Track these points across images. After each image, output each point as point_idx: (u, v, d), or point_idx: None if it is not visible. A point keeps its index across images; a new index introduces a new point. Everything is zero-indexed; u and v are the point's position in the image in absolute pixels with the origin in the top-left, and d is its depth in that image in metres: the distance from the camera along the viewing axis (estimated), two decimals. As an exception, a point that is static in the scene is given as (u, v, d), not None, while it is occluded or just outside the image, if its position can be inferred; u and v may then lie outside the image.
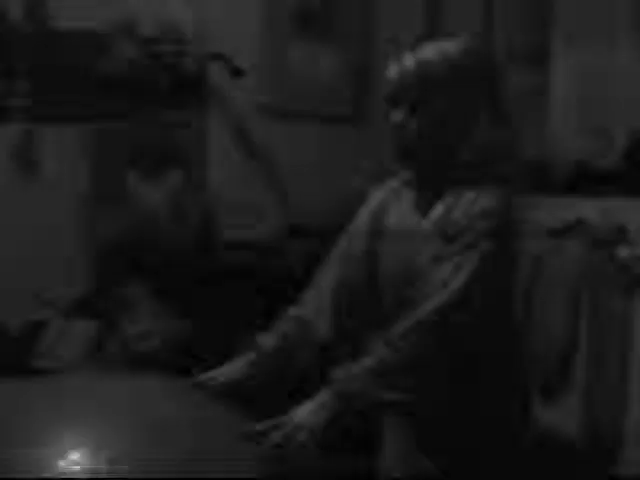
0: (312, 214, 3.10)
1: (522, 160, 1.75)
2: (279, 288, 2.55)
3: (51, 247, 2.79)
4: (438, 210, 1.54)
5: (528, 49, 2.94)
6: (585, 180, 2.69)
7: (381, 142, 3.21)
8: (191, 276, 2.81)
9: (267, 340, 1.69)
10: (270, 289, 2.63)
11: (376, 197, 1.72)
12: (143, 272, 2.82)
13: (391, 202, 1.68)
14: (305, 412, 1.42)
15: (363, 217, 1.71)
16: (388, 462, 1.64)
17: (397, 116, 1.56)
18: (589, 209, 2.59)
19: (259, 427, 1.40)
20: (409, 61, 1.55)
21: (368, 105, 3.36)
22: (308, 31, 3.31)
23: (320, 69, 3.32)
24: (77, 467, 1.19)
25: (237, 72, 3.00)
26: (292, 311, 1.73)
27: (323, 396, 1.44)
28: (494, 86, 1.59)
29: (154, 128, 2.99)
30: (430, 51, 1.55)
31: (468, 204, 1.50)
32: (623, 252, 2.46)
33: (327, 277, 1.72)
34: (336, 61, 3.35)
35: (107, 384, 1.51)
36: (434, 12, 3.28)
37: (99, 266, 2.88)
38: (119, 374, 1.78)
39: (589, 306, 2.47)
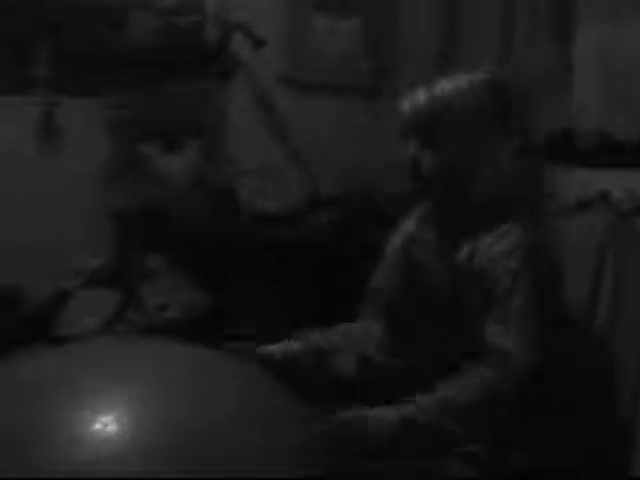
0: (332, 184, 3.10)
1: (547, 193, 1.72)
2: (302, 258, 2.56)
3: (73, 217, 2.80)
4: (464, 252, 1.53)
5: (552, 20, 2.91)
6: (609, 152, 2.67)
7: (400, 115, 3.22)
8: (212, 247, 2.81)
9: (314, 338, 1.71)
10: (293, 259, 2.63)
11: (403, 230, 1.73)
12: (164, 243, 2.83)
13: (417, 236, 1.69)
14: (374, 425, 1.40)
15: (393, 252, 1.72)
16: None
17: (411, 150, 1.55)
18: (612, 181, 2.57)
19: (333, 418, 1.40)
20: (422, 96, 1.54)
21: (389, 77, 3.34)
22: (329, 2, 3.28)
23: (341, 40, 3.30)
24: (110, 429, 1.21)
25: (258, 42, 2.99)
26: (342, 326, 1.76)
27: (391, 416, 1.41)
28: (511, 121, 1.56)
29: (174, 99, 2.98)
30: (443, 86, 1.53)
31: (494, 244, 1.48)
32: (647, 224, 2.45)
33: (371, 308, 1.74)
34: (357, 33, 3.32)
35: (134, 348, 1.52)
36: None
37: (120, 237, 2.89)
38: (147, 339, 1.78)
39: (612, 278, 2.46)
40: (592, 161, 2.68)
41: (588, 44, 2.77)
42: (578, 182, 2.66)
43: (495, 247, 1.48)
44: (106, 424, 1.21)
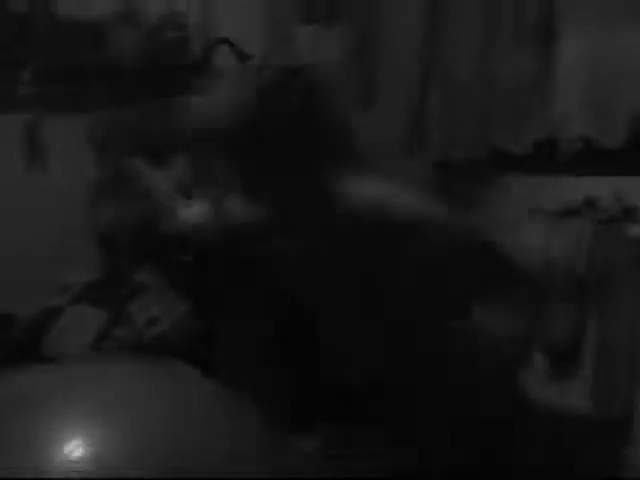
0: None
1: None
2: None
3: (60, 235, 2.80)
4: None
5: (534, 27, 2.91)
6: (592, 159, 2.67)
7: (387, 124, 3.21)
8: (202, 261, 2.80)
9: None
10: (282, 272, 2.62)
11: None
12: (152, 259, 2.82)
13: None
14: None
15: None
16: None
17: None
18: (597, 188, 2.57)
19: None
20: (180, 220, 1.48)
21: (374, 87, 3.34)
22: (312, 13, 3.29)
23: (325, 51, 3.30)
24: (79, 450, 1.20)
25: (244, 57, 2.99)
26: None
27: None
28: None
29: (159, 115, 2.98)
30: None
31: None
32: (633, 231, 2.45)
33: None
34: (341, 44, 3.33)
35: (116, 371, 1.51)
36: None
37: (108, 253, 2.89)
38: (128, 360, 1.77)
39: (597, 286, 2.46)
40: (577, 168, 2.68)
41: (572, 49, 2.77)
42: (564, 189, 2.66)
43: None
44: (75, 445, 1.21)
